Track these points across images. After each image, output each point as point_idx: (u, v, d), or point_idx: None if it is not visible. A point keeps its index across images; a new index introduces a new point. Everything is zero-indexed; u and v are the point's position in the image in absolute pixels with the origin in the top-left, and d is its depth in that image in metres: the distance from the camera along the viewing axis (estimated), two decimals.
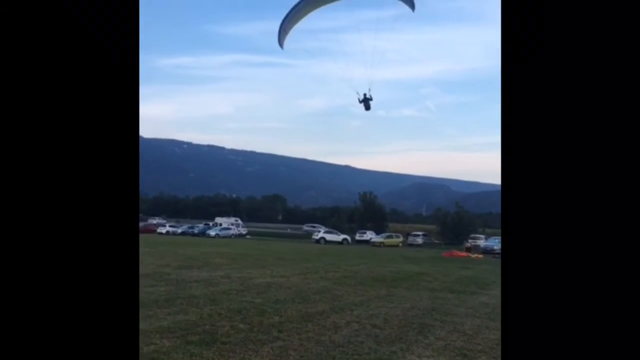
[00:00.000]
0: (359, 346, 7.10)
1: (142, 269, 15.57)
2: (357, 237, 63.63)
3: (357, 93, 14.95)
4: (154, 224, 75.03)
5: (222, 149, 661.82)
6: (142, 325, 7.76)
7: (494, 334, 8.43)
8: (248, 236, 68.75)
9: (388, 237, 61.14)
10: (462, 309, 11.12)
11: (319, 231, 65.40)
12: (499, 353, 7.14)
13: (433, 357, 6.70)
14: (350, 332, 8.03)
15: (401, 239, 61.33)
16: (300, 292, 12.72)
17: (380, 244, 56.36)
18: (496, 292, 15.05)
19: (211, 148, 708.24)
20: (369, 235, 63.28)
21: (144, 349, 6.29)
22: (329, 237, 60.16)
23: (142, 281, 12.79)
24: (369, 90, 15.13)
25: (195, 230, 68.52)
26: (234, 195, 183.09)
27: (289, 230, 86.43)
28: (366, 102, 15.27)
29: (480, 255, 40.93)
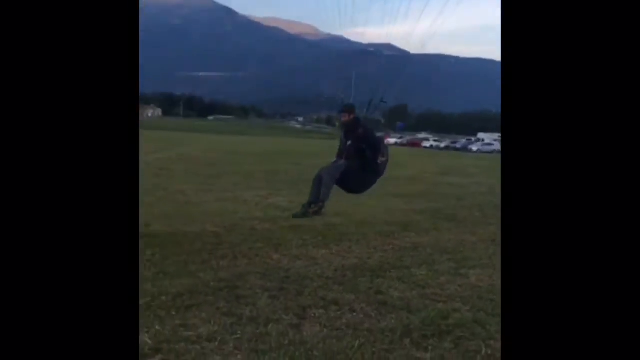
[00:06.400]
0: None
1: (407, 172, 18.92)
2: None
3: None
4: (420, 139, 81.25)
5: (491, 61, 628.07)
6: (403, 205, 10.71)
7: None
8: None
9: None
10: None
11: None
12: None
13: None
14: None
15: None
16: None
17: None
18: None
19: (479, 61, 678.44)
20: None
21: (401, 219, 9.16)
22: None
23: (406, 181, 15.99)
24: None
25: (458, 146, 70.86)
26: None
27: None
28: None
29: None
